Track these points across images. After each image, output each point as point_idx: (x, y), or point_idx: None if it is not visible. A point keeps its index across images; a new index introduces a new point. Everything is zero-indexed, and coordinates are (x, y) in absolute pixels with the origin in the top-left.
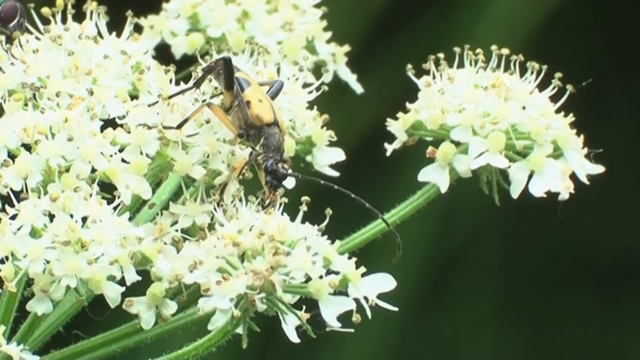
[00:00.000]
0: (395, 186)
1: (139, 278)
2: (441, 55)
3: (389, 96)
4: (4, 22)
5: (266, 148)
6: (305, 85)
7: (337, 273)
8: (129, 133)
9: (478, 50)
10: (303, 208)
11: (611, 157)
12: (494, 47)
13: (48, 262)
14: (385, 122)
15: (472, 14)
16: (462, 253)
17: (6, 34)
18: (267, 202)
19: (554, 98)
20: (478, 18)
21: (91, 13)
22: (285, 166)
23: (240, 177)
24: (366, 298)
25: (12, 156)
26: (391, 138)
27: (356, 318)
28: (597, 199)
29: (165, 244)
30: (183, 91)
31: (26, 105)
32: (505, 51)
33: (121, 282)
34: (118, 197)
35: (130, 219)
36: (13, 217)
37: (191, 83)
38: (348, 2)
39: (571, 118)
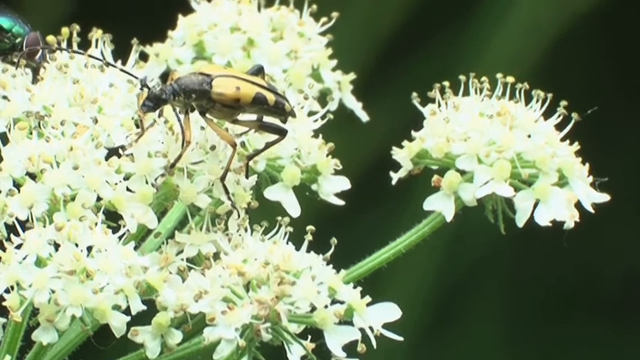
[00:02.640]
0: (401, 214)
1: (145, 308)
2: (447, 84)
3: (394, 124)
4: (30, 56)
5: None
6: (310, 114)
7: (342, 302)
8: (133, 162)
9: (483, 78)
10: (308, 237)
11: (617, 185)
12: (499, 75)
13: (53, 291)
14: (390, 150)
15: (478, 43)
16: (469, 282)
17: (32, 67)
18: None
19: (559, 126)
20: (484, 46)
21: (97, 41)
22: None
23: (246, 206)
24: (371, 328)
25: (17, 185)
26: (397, 166)
27: (361, 348)
28: (603, 226)
29: (170, 273)
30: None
31: (31, 134)
32: (510, 79)
33: (127, 311)
34: (124, 226)
35: (136, 248)
36: (19, 247)
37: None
38: (354, 30)
39: (576, 146)
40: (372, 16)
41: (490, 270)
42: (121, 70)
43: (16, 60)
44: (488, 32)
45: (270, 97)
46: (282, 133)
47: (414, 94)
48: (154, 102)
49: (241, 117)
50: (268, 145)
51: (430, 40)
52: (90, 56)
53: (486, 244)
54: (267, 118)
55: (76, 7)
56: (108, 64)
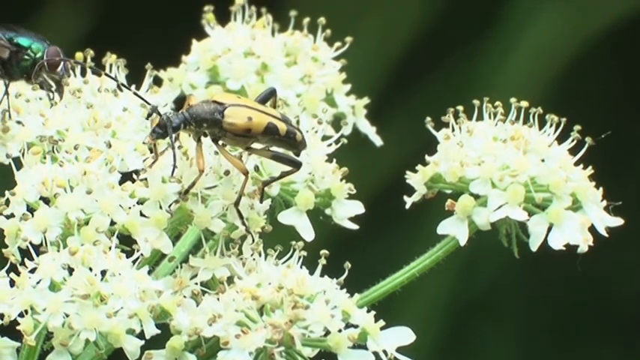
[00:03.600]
0: (414, 237)
1: (159, 331)
2: (460, 108)
3: (405, 147)
4: (51, 69)
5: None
6: (324, 138)
7: (356, 326)
8: (147, 187)
9: (497, 103)
10: (322, 261)
11: (630, 209)
12: (513, 100)
13: (67, 315)
14: (403, 173)
15: (491, 65)
16: (482, 304)
17: (55, 80)
18: None
19: (573, 150)
20: (497, 69)
21: (111, 65)
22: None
23: (260, 230)
24: (385, 352)
25: (31, 209)
26: (409, 189)
27: None
28: (617, 249)
29: (184, 297)
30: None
31: (45, 158)
32: (524, 103)
33: (141, 335)
34: (138, 250)
35: (150, 272)
36: (33, 271)
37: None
38: (365, 53)
39: (590, 170)
40: (383, 39)
41: (504, 293)
42: (135, 94)
43: (37, 75)
44: (501, 54)
45: (282, 127)
46: (296, 165)
47: (428, 119)
48: (163, 130)
49: (255, 145)
50: (283, 175)
51: (442, 63)
52: (107, 75)
53: (500, 267)
54: (280, 148)
55: (89, 29)
56: (121, 87)
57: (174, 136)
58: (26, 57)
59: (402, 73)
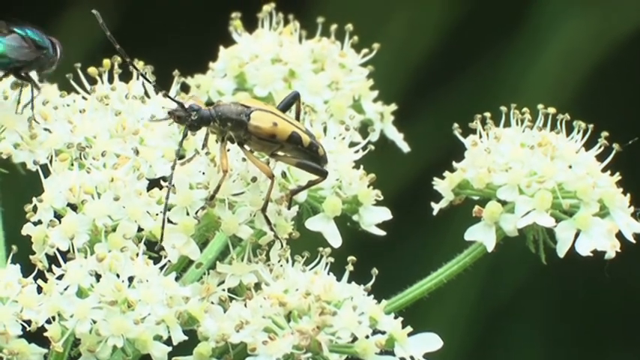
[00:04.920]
0: (440, 241)
1: (186, 338)
2: (488, 114)
3: (431, 152)
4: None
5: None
6: (351, 145)
7: (383, 333)
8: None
9: (525, 109)
10: (349, 267)
11: None
12: (540, 106)
13: (95, 322)
14: (427, 178)
15: (516, 71)
16: (509, 309)
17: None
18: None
19: (600, 156)
20: (522, 74)
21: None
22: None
23: (287, 237)
24: (412, 358)
25: (58, 216)
26: (434, 195)
27: None
28: None
29: (212, 303)
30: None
31: (72, 165)
32: (552, 110)
33: (168, 342)
34: (165, 257)
35: (177, 278)
36: (60, 277)
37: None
38: (389, 58)
39: (617, 176)
40: (406, 43)
41: (529, 298)
42: (165, 95)
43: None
44: (526, 58)
45: (305, 139)
46: (322, 174)
47: (455, 125)
48: (185, 114)
49: (280, 152)
50: (310, 184)
51: (466, 68)
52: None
53: (525, 272)
54: (303, 159)
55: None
56: (148, 93)
57: (202, 139)
58: (42, 56)
59: (426, 78)
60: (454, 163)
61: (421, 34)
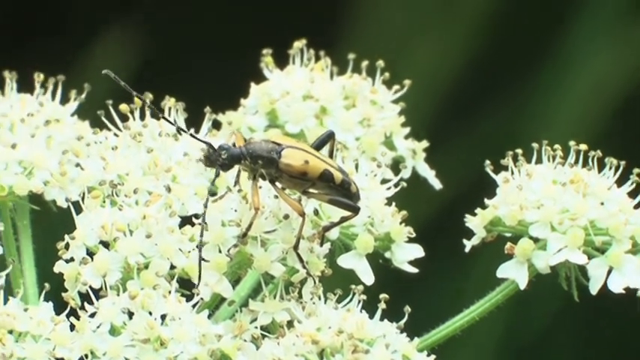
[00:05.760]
0: (467, 275)
1: None
2: (519, 151)
3: (456, 182)
4: None
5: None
6: (383, 181)
7: None
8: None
9: (556, 146)
10: (382, 305)
11: None
12: (572, 143)
13: (127, 359)
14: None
15: (544, 102)
16: (538, 344)
17: None
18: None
19: (632, 193)
20: (551, 106)
21: (170, 109)
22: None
23: (319, 274)
24: None
25: (91, 253)
26: (462, 228)
27: None
28: None
29: (244, 341)
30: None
31: (104, 202)
32: (583, 147)
33: None
34: (197, 294)
35: (210, 316)
36: (93, 315)
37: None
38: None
39: None
40: (431, 75)
41: (559, 332)
42: (192, 136)
43: None
44: (554, 91)
45: (338, 176)
46: (354, 210)
47: (487, 162)
48: (213, 157)
49: (312, 190)
50: (342, 220)
51: (493, 99)
52: (165, 119)
53: (555, 306)
54: (335, 196)
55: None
56: (180, 131)
57: (234, 176)
58: None
59: (451, 109)
60: (486, 200)
61: (447, 65)
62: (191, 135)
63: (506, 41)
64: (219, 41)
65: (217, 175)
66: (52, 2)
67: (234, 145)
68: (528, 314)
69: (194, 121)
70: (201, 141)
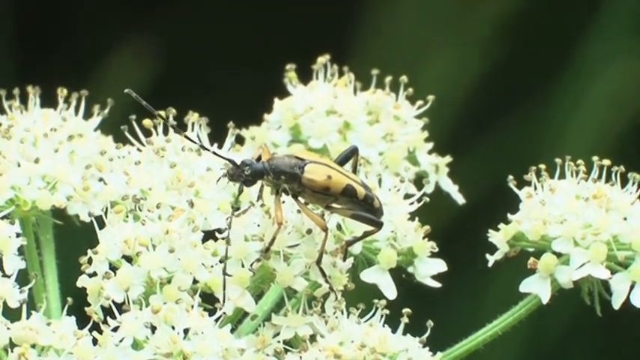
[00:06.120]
0: (486, 288)
1: None
2: (543, 166)
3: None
4: None
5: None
6: (406, 196)
7: None
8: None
9: (579, 161)
10: (405, 320)
11: None
12: (595, 158)
13: None
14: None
15: (561, 113)
16: (556, 354)
17: None
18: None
19: None
20: (567, 117)
21: (193, 124)
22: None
23: (342, 289)
24: None
25: (113, 268)
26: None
27: None
28: None
29: (267, 355)
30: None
31: (127, 217)
32: (606, 162)
33: None
34: (220, 309)
35: (232, 330)
36: (115, 329)
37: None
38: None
39: None
40: (447, 88)
41: (575, 341)
42: (214, 153)
43: None
44: (570, 103)
45: (361, 191)
46: (377, 225)
47: (510, 177)
48: (238, 172)
49: (335, 205)
50: (365, 235)
51: (510, 111)
52: (187, 137)
53: (573, 315)
54: (358, 211)
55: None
56: (202, 146)
57: (257, 191)
58: None
59: (468, 121)
60: (509, 215)
61: (463, 77)
62: (213, 153)
63: (523, 52)
64: (242, 56)
65: (241, 191)
66: (64, 15)
67: (259, 158)
68: (544, 324)
69: (217, 136)
70: (223, 158)
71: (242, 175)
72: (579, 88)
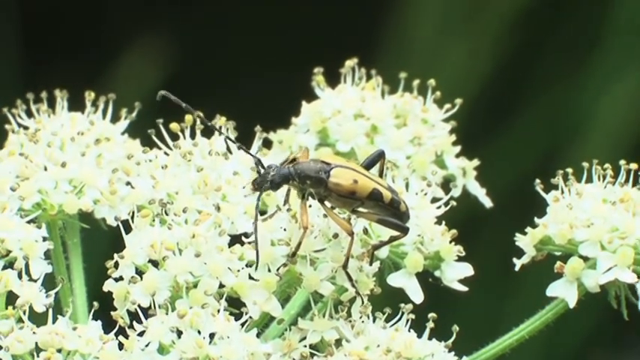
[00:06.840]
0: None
1: None
2: (570, 170)
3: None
4: None
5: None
6: (433, 200)
7: None
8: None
9: (607, 165)
10: (430, 324)
11: None
12: (622, 162)
13: None
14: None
15: (578, 112)
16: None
17: None
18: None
19: None
20: (585, 115)
21: (220, 128)
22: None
23: (368, 293)
24: None
25: (140, 272)
26: (520, 252)
27: None
28: None
29: (293, 359)
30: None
31: (154, 221)
32: (634, 166)
33: None
34: (246, 313)
35: (258, 335)
36: (141, 334)
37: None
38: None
39: None
40: (459, 84)
41: (597, 345)
42: (245, 150)
43: None
44: (590, 100)
45: (387, 195)
46: (403, 230)
47: (537, 181)
48: (263, 179)
49: (361, 209)
50: (391, 239)
51: (529, 105)
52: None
53: (593, 319)
54: (384, 216)
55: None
56: (230, 149)
57: (283, 195)
58: None
59: (481, 117)
60: (536, 219)
61: (475, 75)
62: (250, 154)
63: (536, 51)
64: (270, 59)
65: (260, 196)
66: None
67: (290, 161)
68: (565, 327)
69: (244, 140)
70: (253, 156)
71: (267, 179)
72: (596, 86)
